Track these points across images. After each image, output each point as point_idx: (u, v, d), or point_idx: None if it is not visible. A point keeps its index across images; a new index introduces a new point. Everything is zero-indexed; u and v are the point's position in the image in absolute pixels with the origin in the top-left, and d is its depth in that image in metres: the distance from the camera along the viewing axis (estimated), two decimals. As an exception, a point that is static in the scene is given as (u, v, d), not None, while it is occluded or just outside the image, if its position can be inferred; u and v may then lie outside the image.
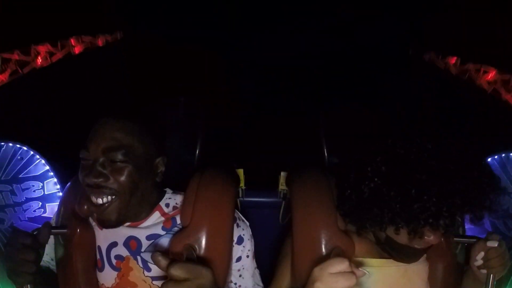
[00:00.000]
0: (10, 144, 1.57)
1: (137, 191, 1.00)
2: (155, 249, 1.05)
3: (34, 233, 0.98)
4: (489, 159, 1.61)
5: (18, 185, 1.57)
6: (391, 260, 1.02)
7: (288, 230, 1.12)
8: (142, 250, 1.07)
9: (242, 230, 1.11)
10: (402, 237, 0.93)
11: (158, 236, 1.07)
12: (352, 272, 0.80)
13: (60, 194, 1.58)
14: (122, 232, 1.08)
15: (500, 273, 0.98)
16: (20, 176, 1.57)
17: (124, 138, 0.97)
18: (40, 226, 1.00)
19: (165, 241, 1.07)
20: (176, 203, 1.13)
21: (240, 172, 1.35)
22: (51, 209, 1.58)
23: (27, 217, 1.58)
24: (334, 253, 0.97)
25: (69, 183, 1.20)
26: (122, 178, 0.96)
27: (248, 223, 1.15)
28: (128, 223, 1.08)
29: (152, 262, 1.04)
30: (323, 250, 0.99)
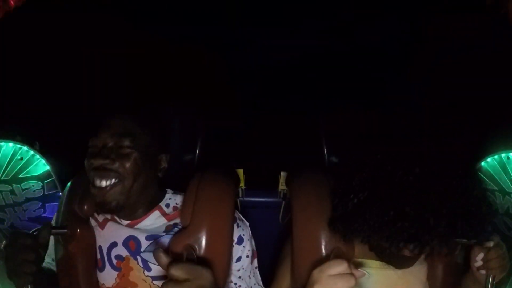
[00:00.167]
0: (10, 144, 1.57)
1: (139, 179, 1.02)
2: (156, 247, 1.06)
3: (34, 233, 0.98)
4: (489, 159, 1.61)
5: (18, 185, 1.57)
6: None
7: (288, 230, 1.12)
8: (142, 250, 1.07)
9: (242, 230, 1.11)
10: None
11: (158, 236, 1.08)
12: (351, 274, 0.80)
13: (60, 194, 1.58)
14: (122, 232, 1.08)
15: (499, 275, 0.97)
16: (20, 176, 1.57)
17: (133, 128, 1.03)
18: (40, 226, 1.00)
19: (165, 241, 1.07)
20: (176, 204, 1.13)
21: (240, 172, 1.36)
22: (51, 209, 1.58)
23: (27, 217, 1.58)
24: (334, 254, 0.97)
25: (69, 183, 1.20)
26: (127, 163, 0.99)
27: (248, 223, 1.15)
28: (127, 222, 1.09)
29: (153, 262, 1.04)
30: (323, 251, 0.99)
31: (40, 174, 1.59)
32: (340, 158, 1.50)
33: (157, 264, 0.80)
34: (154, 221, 1.10)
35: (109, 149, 1.00)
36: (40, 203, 1.59)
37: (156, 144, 1.08)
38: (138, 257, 1.07)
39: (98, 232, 1.10)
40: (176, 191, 1.17)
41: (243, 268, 1.12)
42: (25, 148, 1.58)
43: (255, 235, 1.17)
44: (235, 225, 1.09)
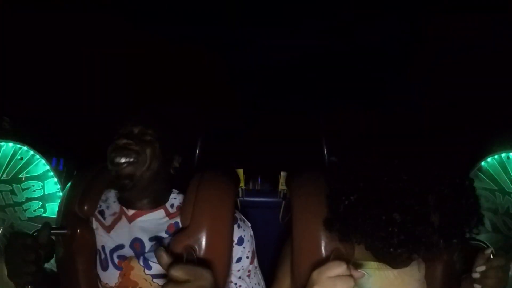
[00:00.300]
0: (10, 144, 1.57)
1: (154, 165, 1.06)
2: (158, 246, 1.06)
3: (34, 233, 0.98)
4: (489, 159, 1.61)
5: (18, 185, 1.57)
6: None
7: (288, 230, 1.12)
8: (146, 250, 1.08)
9: (243, 231, 1.11)
10: None
11: (161, 238, 1.09)
12: (350, 276, 0.80)
13: (60, 194, 1.58)
14: (129, 235, 1.09)
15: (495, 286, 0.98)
16: (20, 176, 1.57)
17: (156, 122, 1.11)
18: (40, 226, 1.00)
19: (167, 243, 1.07)
20: (180, 203, 1.14)
21: (240, 172, 1.36)
22: (51, 209, 1.58)
23: (27, 217, 1.58)
24: (334, 255, 0.97)
25: (69, 183, 1.20)
26: (148, 149, 1.06)
27: (249, 224, 1.16)
28: (133, 211, 1.11)
29: (153, 261, 1.04)
30: (323, 252, 0.99)
31: (40, 174, 1.59)
32: (340, 158, 1.50)
33: (157, 262, 0.80)
34: (158, 220, 1.11)
35: (133, 135, 1.07)
36: (40, 203, 1.58)
37: (173, 144, 1.14)
38: (141, 257, 1.08)
39: (103, 234, 1.11)
40: (180, 191, 1.18)
41: (243, 269, 1.12)
42: (25, 148, 1.58)
43: (255, 235, 1.17)
44: (235, 226, 1.09)
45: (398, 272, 1.03)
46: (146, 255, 1.07)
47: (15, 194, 1.56)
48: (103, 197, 1.16)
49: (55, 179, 1.60)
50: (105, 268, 1.09)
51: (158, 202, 1.13)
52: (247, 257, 1.12)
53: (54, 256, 1.14)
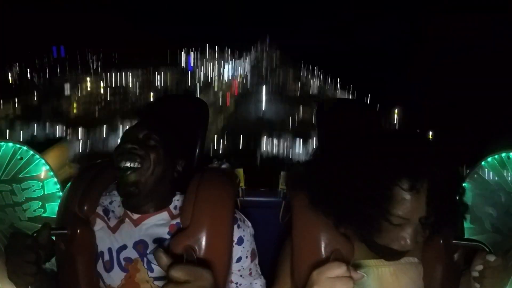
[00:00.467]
0: (10, 144, 1.57)
1: (158, 170, 1.08)
2: (157, 247, 1.06)
3: (34, 234, 0.98)
4: (489, 159, 1.60)
5: (18, 185, 1.57)
6: (382, 260, 1.03)
7: (288, 230, 1.12)
8: (148, 252, 1.08)
9: (243, 231, 1.11)
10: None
11: (165, 239, 1.09)
12: (350, 277, 0.80)
13: (60, 194, 1.58)
14: (133, 236, 1.10)
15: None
16: (20, 175, 1.57)
17: (161, 128, 1.14)
18: (40, 226, 1.00)
19: (167, 244, 1.07)
20: (182, 204, 1.14)
21: (240, 172, 1.36)
22: (51, 209, 1.57)
23: (27, 217, 1.57)
24: (333, 257, 0.97)
25: (69, 183, 1.20)
26: (152, 153, 1.08)
27: (250, 223, 1.16)
28: (137, 216, 1.11)
29: (155, 263, 1.05)
30: (323, 253, 0.99)
31: (40, 174, 1.59)
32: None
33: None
34: (161, 222, 1.12)
35: (138, 140, 1.09)
36: (40, 203, 1.58)
37: (177, 149, 1.16)
38: (145, 259, 1.08)
39: (108, 234, 1.11)
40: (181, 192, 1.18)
41: (243, 268, 1.13)
42: (25, 148, 1.57)
43: (255, 235, 1.17)
44: (235, 226, 1.09)
45: (395, 269, 1.04)
46: (149, 256, 1.08)
47: (15, 194, 1.55)
48: (108, 200, 1.16)
49: (55, 179, 1.60)
50: (109, 270, 1.10)
51: (162, 205, 1.14)
52: (247, 257, 1.13)
53: (54, 256, 1.14)
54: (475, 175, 1.61)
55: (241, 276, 1.13)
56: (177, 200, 1.16)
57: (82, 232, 1.09)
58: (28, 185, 1.57)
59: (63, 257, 1.10)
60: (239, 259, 1.11)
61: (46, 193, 1.59)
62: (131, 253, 1.09)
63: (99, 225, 1.13)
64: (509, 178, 1.58)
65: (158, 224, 1.12)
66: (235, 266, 1.11)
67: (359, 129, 1.06)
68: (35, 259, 0.93)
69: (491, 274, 0.97)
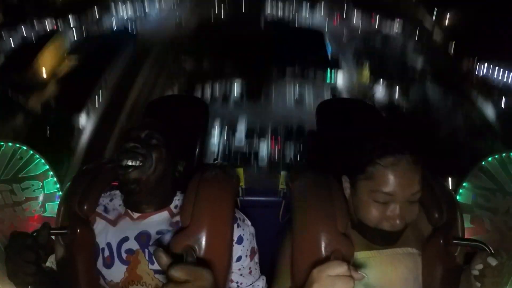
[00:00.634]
0: (10, 144, 1.56)
1: (159, 168, 1.09)
2: (159, 244, 1.07)
3: (34, 234, 0.98)
4: (489, 159, 1.60)
5: (18, 185, 1.56)
6: (379, 251, 1.06)
7: (288, 229, 1.12)
8: (150, 243, 1.09)
9: (242, 230, 1.12)
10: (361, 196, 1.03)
11: (167, 231, 1.10)
12: (350, 276, 0.80)
13: (60, 193, 1.57)
14: (134, 228, 1.11)
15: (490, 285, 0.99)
16: (19, 175, 1.56)
17: (163, 129, 1.15)
18: (40, 226, 1.00)
19: (170, 237, 1.08)
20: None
21: (240, 171, 1.36)
22: (51, 208, 1.57)
23: (27, 217, 1.57)
24: (334, 256, 0.97)
25: (69, 183, 1.20)
26: (154, 152, 1.09)
27: (249, 223, 1.16)
28: (138, 214, 1.12)
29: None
30: (323, 252, 0.99)
31: (39, 173, 1.59)
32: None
33: None
34: (162, 220, 1.13)
35: (141, 139, 1.10)
36: (40, 203, 1.58)
37: (178, 149, 1.17)
38: (146, 250, 1.09)
39: (108, 229, 1.12)
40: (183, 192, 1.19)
41: (243, 267, 1.13)
42: (24, 147, 1.57)
43: (255, 234, 1.17)
44: (235, 225, 1.10)
45: (392, 258, 1.07)
46: (150, 248, 1.09)
47: (15, 194, 1.55)
48: (108, 199, 1.17)
49: (55, 179, 1.60)
50: (109, 266, 1.10)
51: (163, 204, 1.15)
52: (247, 256, 1.13)
53: (54, 256, 1.14)
54: (476, 175, 1.61)
55: (241, 275, 1.13)
56: (178, 199, 1.17)
57: (82, 231, 1.09)
58: (28, 184, 1.57)
59: (63, 257, 1.10)
60: (239, 258, 1.11)
61: (46, 192, 1.58)
62: (132, 244, 1.10)
63: (99, 224, 1.13)
64: (509, 178, 1.58)
65: (159, 222, 1.13)
66: (235, 265, 1.11)
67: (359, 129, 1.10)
68: (35, 259, 0.93)
69: (491, 273, 0.97)
